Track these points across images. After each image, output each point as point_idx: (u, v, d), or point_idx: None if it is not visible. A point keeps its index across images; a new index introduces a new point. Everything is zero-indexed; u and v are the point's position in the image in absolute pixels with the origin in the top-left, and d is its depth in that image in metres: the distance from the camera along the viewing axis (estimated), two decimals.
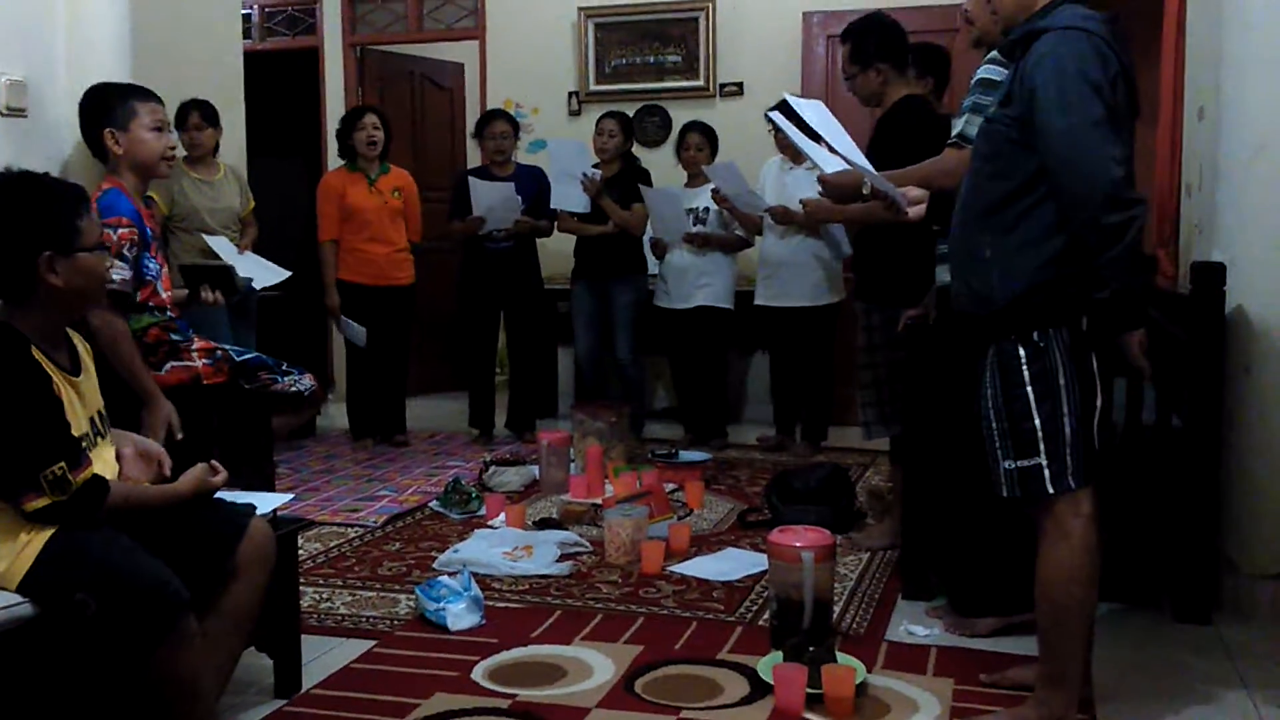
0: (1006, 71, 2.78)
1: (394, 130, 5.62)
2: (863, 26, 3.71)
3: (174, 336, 3.04)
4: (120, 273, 2.82)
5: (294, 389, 3.17)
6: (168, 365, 2.97)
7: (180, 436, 2.85)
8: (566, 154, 5.45)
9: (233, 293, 3.32)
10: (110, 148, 2.93)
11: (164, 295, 3.04)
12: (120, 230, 2.84)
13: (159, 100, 3.01)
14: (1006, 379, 2.30)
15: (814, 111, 2.92)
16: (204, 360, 3.03)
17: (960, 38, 3.38)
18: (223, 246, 4.69)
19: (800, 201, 4.31)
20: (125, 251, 2.84)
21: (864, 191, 2.87)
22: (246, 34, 6.75)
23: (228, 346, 3.20)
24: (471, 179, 5.51)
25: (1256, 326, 3.12)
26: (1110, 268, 2.19)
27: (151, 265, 2.98)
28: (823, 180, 3.19)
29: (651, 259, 5.70)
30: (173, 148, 3.04)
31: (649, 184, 5.56)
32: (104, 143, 2.93)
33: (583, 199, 5.43)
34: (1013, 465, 2.32)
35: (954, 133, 2.90)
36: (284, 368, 3.18)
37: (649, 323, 5.66)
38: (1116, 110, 2.19)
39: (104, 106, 2.95)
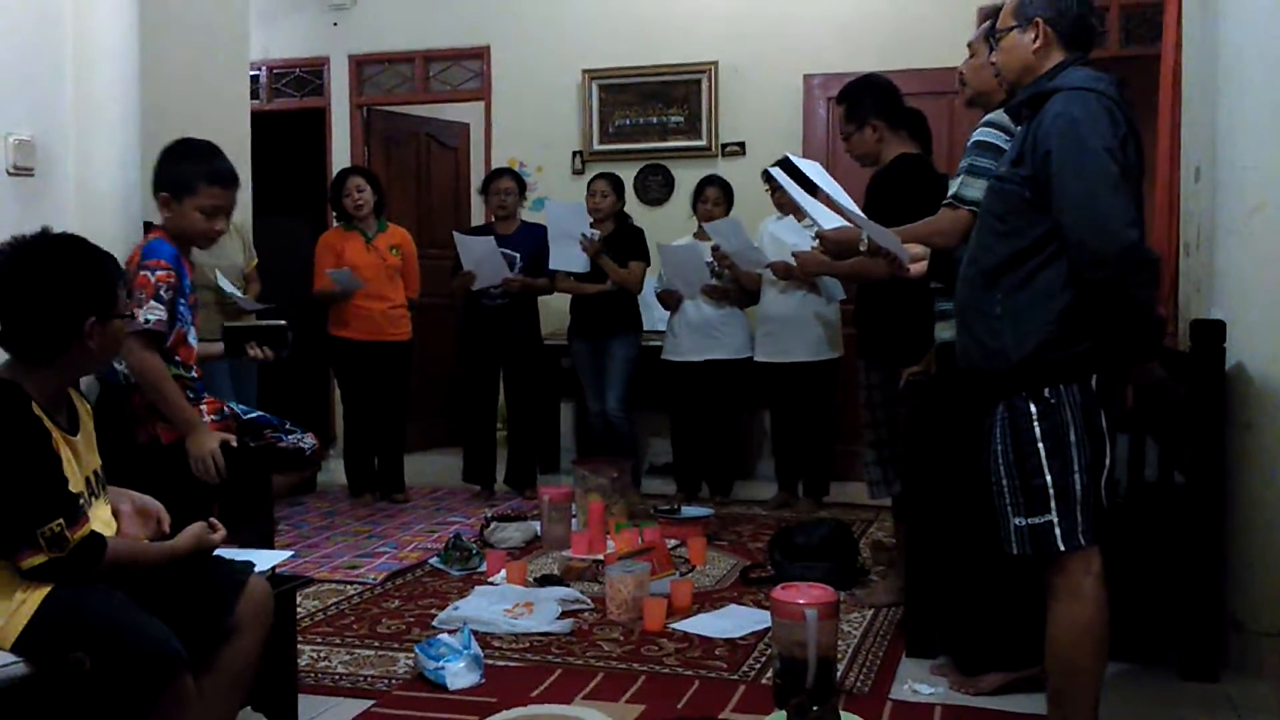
0: (1003, 134, 2.83)
1: (399, 188, 5.66)
2: (856, 86, 3.82)
3: (188, 394, 3.04)
4: (155, 313, 2.83)
5: (297, 447, 3.17)
6: None
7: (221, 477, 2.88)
8: (564, 216, 5.50)
9: (283, 348, 3.28)
10: (160, 209, 2.95)
11: (192, 345, 3.06)
12: (159, 273, 2.86)
13: (230, 184, 3.00)
14: (1018, 436, 2.30)
15: (813, 170, 2.96)
16: (211, 417, 3.04)
17: (958, 100, 3.44)
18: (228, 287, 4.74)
19: (793, 254, 4.35)
20: (162, 293, 2.86)
21: (861, 248, 2.89)
22: (254, 94, 6.85)
23: (234, 404, 3.21)
24: (457, 235, 5.58)
25: (1257, 383, 3.12)
26: (1125, 328, 2.21)
27: (185, 313, 2.99)
28: (821, 236, 3.21)
29: (654, 313, 5.72)
30: (220, 231, 3.02)
31: (643, 242, 5.62)
32: (156, 200, 2.97)
33: (582, 259, 5.47)
34: (1023, 522, 2.31)
35: (950, 193, 2.93)
36: (287, 426, 3.19)
37: (652, 377, 5.66)
38: (1128, 170, 2.23)
39: (174, 168, 2.96)
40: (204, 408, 3.05)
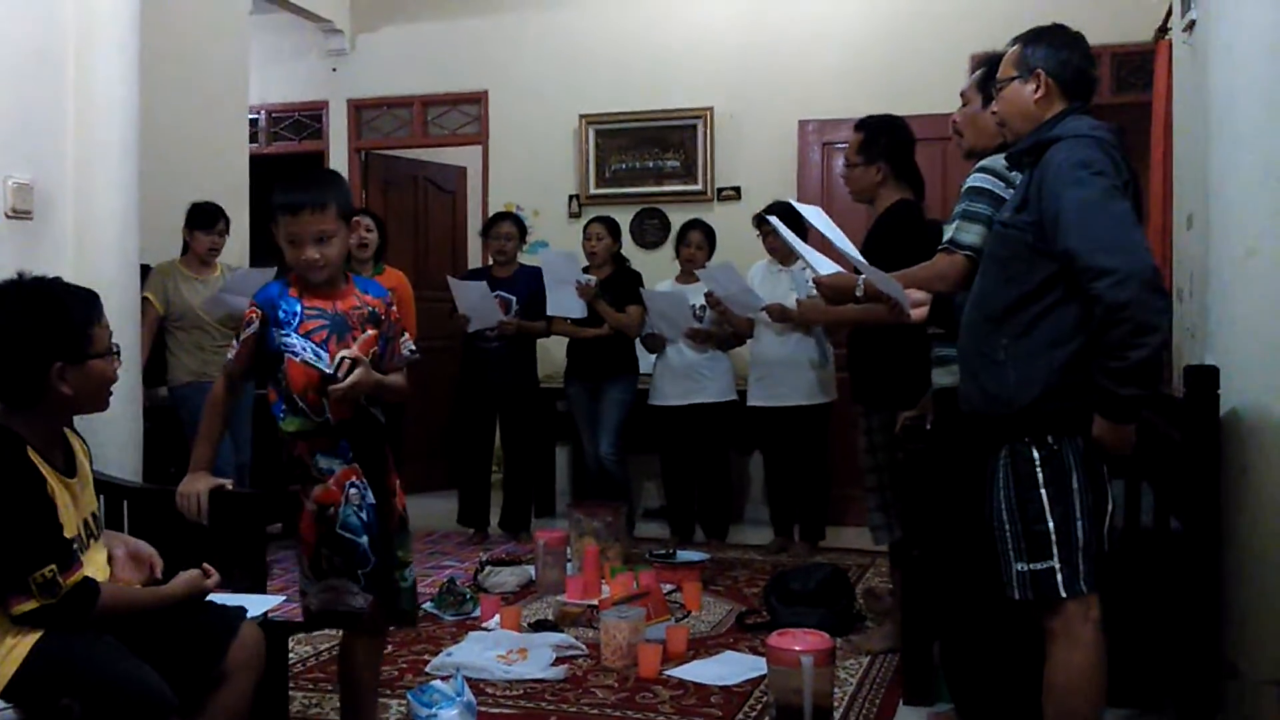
0: (997, 180, 2.85)
1: (397, 231, 5.65)
2: (880, 122, 3.80)
3: (316, 469, 2.57)
4: (231, 350, 2.68)
5: (352, 602, 2.61)
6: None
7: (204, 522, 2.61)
8: (559, 264, 5.52)
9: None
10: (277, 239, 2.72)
11: (316, 366, 2.59)
12: (247, 311, 2.68)
13: (301, 210, 2.60)
14: (1020, 481, 2.31)
15: (814, 215, 2.98)
16: (312, 506, 2.58)
17: (952, 146, 3.46)
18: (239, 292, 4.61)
19: (796, 302, 4.36)
20: (242, 331, 2.65)
21: (857, 294, 2.90)
22: (253, 138, 6.90)
23: (353, 522, 2.63)
24: (451, 280, 5.60)
25: (1251, 428, 3.12)
26: (1132, 366, 2.17)
27: (290, 342, 2.59)
28: (818, 282, 3.23)
29: (645, 357, 5.73)
30: (312, 260, 2.68)
31: (640, 285, 5.64)
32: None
33: (579, 305, 5.49)
34: (1025, 568, 2.31)
35: (945, 238, 2.95)
36: (361, 575, 2.64)
37: (642, 421, 5.66)
38: None
39: (270, 199, 2.67)
40: (331, 483, 2.58)
